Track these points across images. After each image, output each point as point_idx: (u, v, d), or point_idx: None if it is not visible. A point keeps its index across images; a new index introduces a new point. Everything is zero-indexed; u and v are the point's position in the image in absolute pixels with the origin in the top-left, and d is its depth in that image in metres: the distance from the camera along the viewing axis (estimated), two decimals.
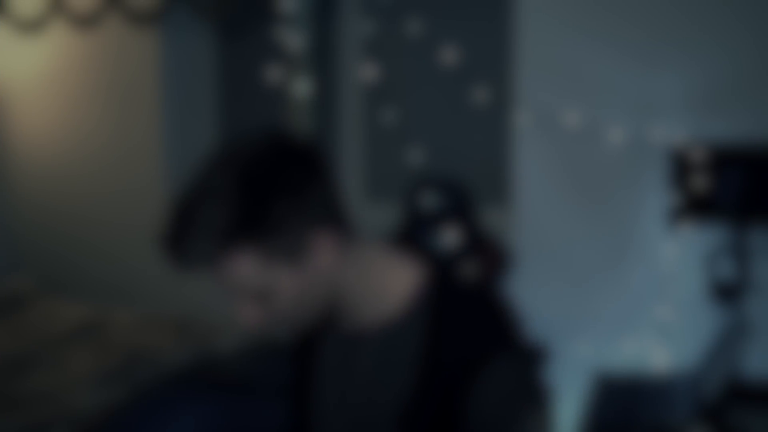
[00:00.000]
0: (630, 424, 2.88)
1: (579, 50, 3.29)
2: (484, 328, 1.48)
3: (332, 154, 4.05)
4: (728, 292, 3.10)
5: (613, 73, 3.27)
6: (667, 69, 3.21)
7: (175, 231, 1.37)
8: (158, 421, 3.05)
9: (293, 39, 3.72)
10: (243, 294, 1.43)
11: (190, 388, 3.23)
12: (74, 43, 4.35)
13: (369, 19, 3.84)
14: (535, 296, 3.39)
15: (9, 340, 3.60)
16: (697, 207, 3.09)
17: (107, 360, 3.34)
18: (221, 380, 3.33)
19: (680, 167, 3.10)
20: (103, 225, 4.47)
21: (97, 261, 4.50)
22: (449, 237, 3.41)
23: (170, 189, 4.29)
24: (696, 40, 3.18)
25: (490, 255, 3.45)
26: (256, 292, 1.42)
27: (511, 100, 3.48)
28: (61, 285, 4.45)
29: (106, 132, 4.40)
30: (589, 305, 3.35)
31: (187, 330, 3.61)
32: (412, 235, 3.50)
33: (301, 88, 3.76)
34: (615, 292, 3.34)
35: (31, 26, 4.22)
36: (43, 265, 4.62)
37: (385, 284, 1.51)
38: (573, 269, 3.40)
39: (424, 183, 3.54)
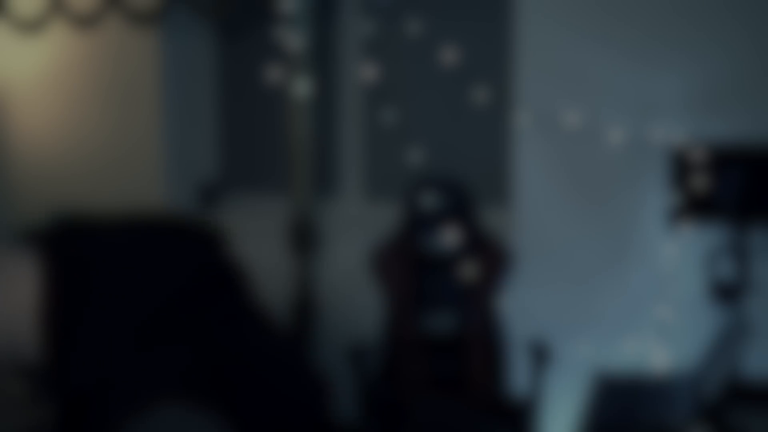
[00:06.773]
0: (630, 424, 2.88)
1: (579, 51, 3.30)
2: None
3: (332, 154, 4.05)
4: (728, 292, 3.11)
5: (613, 73, 3.27)
6: (667, 69, 3.21)
7: None
8: None
9: (293, 39, 3.72)
10: None
11: None
12: (74, 43, 4.34)
13: (369, 19, 3.84)
14: (535, 296, 3.39)
15: None
16: (697, 207, 3.09)
17: None
18: None
19: (680, 167, 3.10)
20: None
21: None
22: (449, 237, 3.41)
23: (170, 189, 4.29)
24: (696, 40, 3.18)
25: (490, 255, 3.45)
26: None
27: (511, 100, 3.48)
28: None
29: (106, 132, 4.39)
30: (589, 305, 3.35)
31: None
32: (412, 235, 3.50)
33: (301, 88, 3.76)
34: (615, 292, 3.34)
35: (31, 26, 4.22)
36: None
37: None
38: (573, 269, 3.40)
39: (424, 183, 3.54)
